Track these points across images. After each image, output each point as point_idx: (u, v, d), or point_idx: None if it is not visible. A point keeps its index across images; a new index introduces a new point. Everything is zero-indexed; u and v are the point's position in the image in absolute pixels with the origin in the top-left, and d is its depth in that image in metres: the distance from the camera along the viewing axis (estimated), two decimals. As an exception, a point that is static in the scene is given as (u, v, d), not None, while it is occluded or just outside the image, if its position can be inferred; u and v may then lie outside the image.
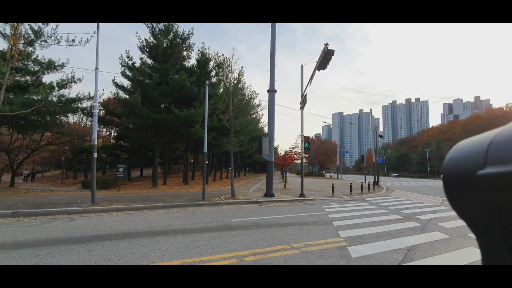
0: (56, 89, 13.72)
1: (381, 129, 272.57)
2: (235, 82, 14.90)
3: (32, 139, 19.04)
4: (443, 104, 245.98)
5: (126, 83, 15.68)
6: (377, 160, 22.32)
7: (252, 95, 18.05)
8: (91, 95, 15.20)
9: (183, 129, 15.14)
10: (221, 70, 18.17)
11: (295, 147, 19.70)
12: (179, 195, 13.30)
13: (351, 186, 16.46)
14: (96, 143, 10.03)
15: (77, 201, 10.63)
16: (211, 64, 17.80)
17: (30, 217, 7.99)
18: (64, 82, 14.19)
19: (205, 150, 11.56)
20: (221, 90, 17.63)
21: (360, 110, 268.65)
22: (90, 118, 16.52)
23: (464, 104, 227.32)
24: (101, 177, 22.12)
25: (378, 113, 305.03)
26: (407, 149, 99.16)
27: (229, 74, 13.93)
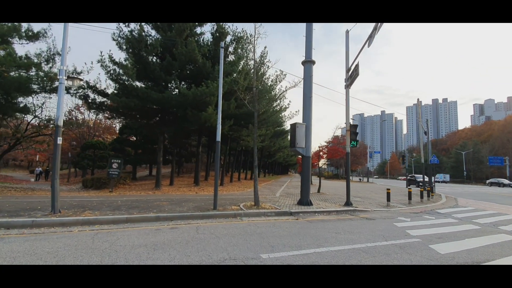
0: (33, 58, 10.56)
1: (404, 131, 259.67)
2: (258, 59, 11.39)
3: (12, 126, 16.38)
4: (473, 104, 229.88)
5: (123, 58, 12.63)
6: (430, 161, 18.02)
7: (278, 77, 14.51)
8: (78, 70, 12.34)
9: (192, 113, 11.84)
10: (240, 46, 14.82)
11: (328, 143, 15.97)
12: (184, 200, 9.99)
13: (409, 193, 12.50)
14: (60, 123, 6.91)
15: (36, 207, 7.56)
16: (229, 38, 14.50)
17: None
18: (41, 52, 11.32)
19: (219, 136, 8.14)
20: (240, 67, 14.22)
21: (382, 111, 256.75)
22: (80, 100, 13.28)
23: (496, 105, 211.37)
24: (97, 175, 19.40)
25: (401, 115, 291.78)
26: (435, 152, 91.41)
27: (251, 48, 10.64)
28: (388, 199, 11.17)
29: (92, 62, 12.53)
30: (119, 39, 12.22)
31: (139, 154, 23.06)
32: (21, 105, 12.89)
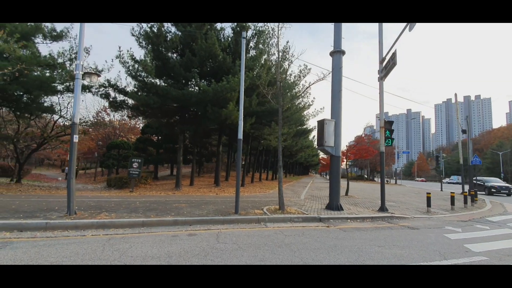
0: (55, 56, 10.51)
1: (433, 130, 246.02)
2: (281, 54, 10.60)
3: (40, 126, 16.84)
4: (509, 101, 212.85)
5: (142, 55, 12.44)
6: (472, 161, 16.25)
7: (302, 72, 13.54)
8: (99, 69, 12.23)
9: (212, 110, 11.30)
10: (261, 40, 14.11)
11: (357, 142, 14.82)
12: (203, 202, 9.46)
13: (452, 198, 11.14)
14: (77, 121, 6.59)
15: (54, 208, 7.32)
16: (250, 32, 13.85)
17: None
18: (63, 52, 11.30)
19: (241, 134, 7.49)
20: (262, 61, 13.48)
21: (408, 110, 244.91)
22: (103, 99, 13.20)
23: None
24: (120, 175, 19.54)
25: (428, 114, 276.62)
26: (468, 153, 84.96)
27: (272, 42, 9.86)
28: (429, 204, 9.95)
29: (112, 60, 12.36)
30: (138, 35, 12.01)
31: (160, 154, 23.10)
32: (46, 104, 13.07)
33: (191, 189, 14.87)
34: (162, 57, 12.45)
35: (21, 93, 10.67)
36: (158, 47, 12.17)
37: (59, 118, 15.90)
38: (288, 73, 16.19)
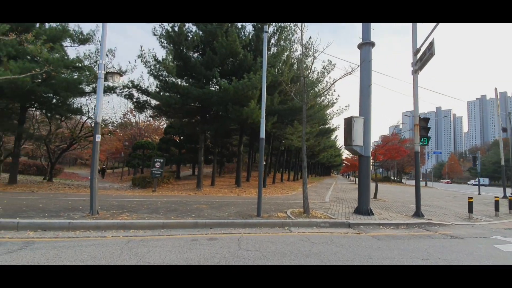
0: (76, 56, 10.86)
1: (465, 129, 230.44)
2: (303, 50, 10.06)
3: (70, 127, 17.56)
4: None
5: (164, 55, 12.52)
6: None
7: (326, 68, 12.95)
8: (123, 69, 12.43)
9: (233, 109, 11.06)
10: (283, 37, 13.66)
11: (386, 142, 13.89)
12: (225, 204, 9.22)
13: (496, 203, 10.01)
14: (99, 120, 6.56)
15: (78, 207, 7.39)
16: (271, 29, 13.46)
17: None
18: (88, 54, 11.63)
19: (263, 132, 7.11)
20: (284, 57, 13.04)
21: (438, 108, 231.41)
22: (128, 100, 13.48)
23: None
24: (144, 174, 19.92)
25: (460, 112, 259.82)
26: (507, 152, 78.00)
27: (294, 38, 9.33)
28: (471, 210, 8.97)
29: (135, 60, 12.59)
30: (160, 35, 12.07)
31: (182, 154, 23.35)
32: (75, 106, 13.56)
33: (212, 190, 14.75)
34: (183, 56, 12.42)
35: (51, 95, 11.12)
36: (179, 46, 12.16)
37: (87, 119, 16.52)
38: (311, 69, 15.62)
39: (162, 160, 13.48)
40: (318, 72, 15.48)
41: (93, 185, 6.49)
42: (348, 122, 8.33)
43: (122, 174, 34.27)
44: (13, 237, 4.77)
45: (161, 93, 11.55)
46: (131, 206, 7.73)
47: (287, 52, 13.82)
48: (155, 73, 11.81)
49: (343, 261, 4.04)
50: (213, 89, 12.07)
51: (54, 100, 11.84)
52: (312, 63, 9.35)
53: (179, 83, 12.16)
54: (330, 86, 10.48)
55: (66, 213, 6.46)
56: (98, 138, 6.62)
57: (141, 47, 11.48)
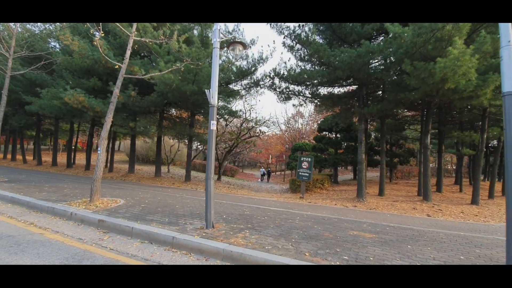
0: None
1: None
2: None
3: (232, 130, 18.87)
4: None
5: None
6: None
7: None
8: (263, 57, 11.12)
9: (413, 68, 6.46)
10: None
11: None
12: (407, 236, 5.11)
13: None
14: (214, 102, 4.99)
15: (200, 214, 6.17)
16: None
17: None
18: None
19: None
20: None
21: None
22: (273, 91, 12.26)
23: None
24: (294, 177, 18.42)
25: None
26: None
27: None
28: None
29: (274, 41, 11.08)
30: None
31: (339, 154, 20.09)
32: (234, 109, 14.18)
33: (380, 202, 10.59)
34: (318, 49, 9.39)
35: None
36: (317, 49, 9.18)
37: (244, 121, 17.25)
38: None
39: (310, 159, 11.09)
40: None
41: (208, 189, 4.86)
42: None
43: (284, 176, 35.75)
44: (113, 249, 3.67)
45: (303, 68, 9.23)
46: (259, 221, 5.63)
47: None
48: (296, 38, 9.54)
49: None
50: (374, 44, 8.12)
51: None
52: None
53: (323, 44, 9.06)
54: None
55: (185, 220, 5.20)
56: (213, 125, 5.01)
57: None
